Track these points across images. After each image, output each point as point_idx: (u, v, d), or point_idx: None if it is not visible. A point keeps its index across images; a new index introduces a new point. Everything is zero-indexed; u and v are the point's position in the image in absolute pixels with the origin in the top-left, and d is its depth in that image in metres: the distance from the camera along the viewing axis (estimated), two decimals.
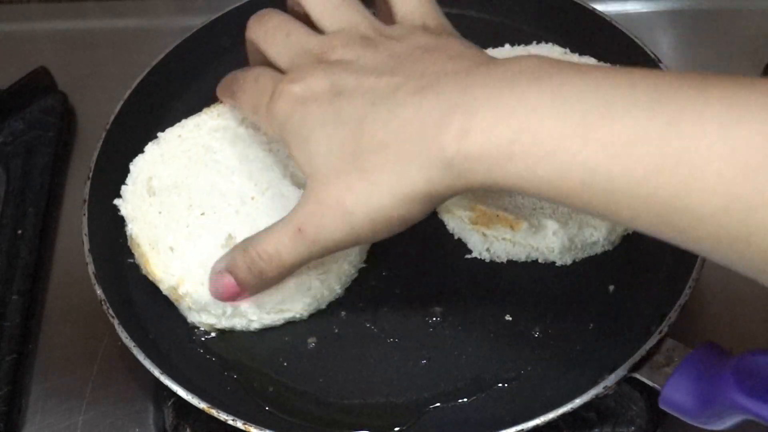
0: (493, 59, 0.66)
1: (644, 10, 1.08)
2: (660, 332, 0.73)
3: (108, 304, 0.77)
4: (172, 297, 0.79)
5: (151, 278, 0.79)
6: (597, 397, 0.72)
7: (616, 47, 0.91)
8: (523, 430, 0.71)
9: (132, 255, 0.84)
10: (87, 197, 0.84)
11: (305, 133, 0.67)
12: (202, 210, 0.79)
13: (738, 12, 1.08)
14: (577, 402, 0.71)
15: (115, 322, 0.77)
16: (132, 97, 0.91)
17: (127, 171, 0.89)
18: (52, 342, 0.87)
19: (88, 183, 0.85)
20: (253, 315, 0.77)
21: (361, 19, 0.72)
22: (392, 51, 0.68)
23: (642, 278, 0.80)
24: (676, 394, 0.68)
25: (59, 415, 0.83)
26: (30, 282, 0.88)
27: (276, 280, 0.72)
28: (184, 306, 0.78)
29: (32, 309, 0.88)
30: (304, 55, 0.70)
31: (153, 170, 0.82)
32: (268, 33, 0.74)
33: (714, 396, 0.65)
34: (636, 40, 0.90)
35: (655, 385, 0.71)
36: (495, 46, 0.92)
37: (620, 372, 0.72)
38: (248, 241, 0.71)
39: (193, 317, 0.79)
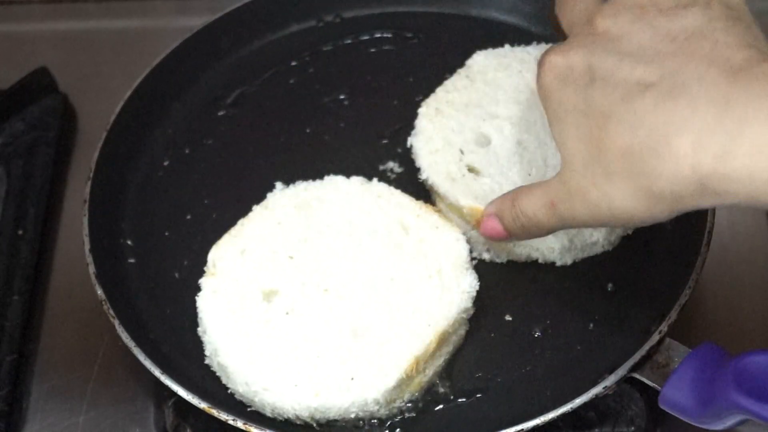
0: (756, 63, 0.60)
1: None
2: (660, 332, 0.73)
3: (108, 304, 0.78)
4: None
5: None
6: (597, 397, 0.72)
7: None
8: (523, 430, 0.71)
9: (132, 255, 0.85)
10: (87, 197, 0.84)
11: (560, 114, 0.68)
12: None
13: None
14: (577, 402, 0.71)
15: (116, 322, 0.77)
16: (132, 97, 0.91)
17: (126, 170, 0.90)
18: (52, 342, 0.87)
19: (89, 183, 0.85)
20: None
21: None
22: (657, 30, 0.65)
23: (642, 278, 0.80)
24: (676, 394, 0.68)
25: (60, 414, 0.83)
26: (31, 282, 0.88)
27: (534, 236, 0.74)
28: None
29: (33, 309, 0.88)
30: (580, 28, 0.70)
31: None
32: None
33: (713, 396, 0.65)
34: None
35: (655, 385, 0.71)
36: (495, 46, 0.92)
37: (620, 372, 0.72)
38: (515, 195, 0.73)
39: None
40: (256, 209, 0.81)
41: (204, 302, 0.77)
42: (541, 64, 0.70)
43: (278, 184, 0.84)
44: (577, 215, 0.69)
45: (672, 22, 0.65)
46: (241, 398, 0.75)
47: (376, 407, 0.73)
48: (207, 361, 0.77)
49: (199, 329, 0.77)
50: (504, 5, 0.98)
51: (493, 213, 0.75)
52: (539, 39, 0.93)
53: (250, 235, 0.80)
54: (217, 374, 0.76)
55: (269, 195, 0.82)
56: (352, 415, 0.73)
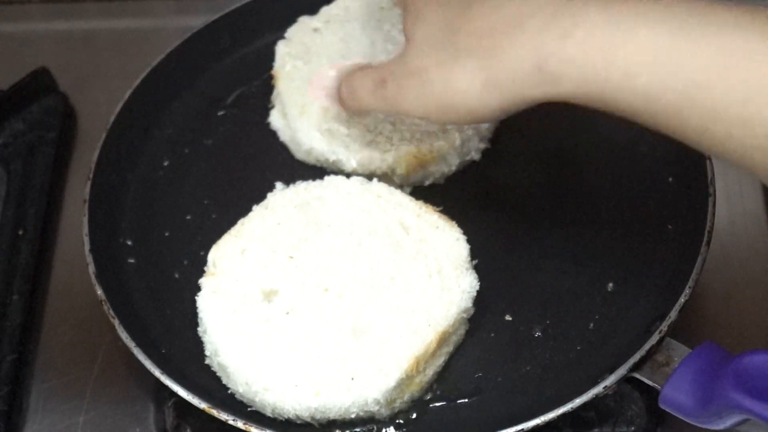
0: None
1: None
2: (660, 332, 0.73)
3: (108, 305, 0.78)
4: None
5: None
6: (597, 397, 0.72)
7: None
8: (523, 430, 0.71)
9: (132, 255, 0.85)
10: (87, 197, 0.84)
11: (421, 6, 0.70)
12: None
13: None
14: (577, 402, 0.71)
15: (116, 322, 0.77)
16: (132, 97, 0.91)
17: (126, 170, 0.90)
18: (52, 342, 0.87)
19: (89, 183, 0.85)
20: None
21: None
22: None
23: (642, 278, 0.80)
24: (676, 393, 0.69)
25: (60, 415, 0.83)
26: (30, 282, 0.88)
27: (356, 112, 0.80)
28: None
29: (33, 309, 0.88)
30: None
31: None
32: None
33: (714, 395, 0.65)
34: None
35: (655, 385, 0.71)
36: None
37: (620, 372, 0.72)
38: (354, 68, 0.77)
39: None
40: (256, 209, 0.81)
41: (204, 302, 0.77)
42: None
43: (278, 184, 0.84)
44: (405, 97, 0.70)
45: None
46: (241, 398, 0.75)
47: (377, 407, 0.73)
48: (207, 361, 0.77)
49: (199, 329, 0.77)
50: None
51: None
52: None
53: (251, 234, 0.80)
54: (218, 374, 0.76)
55: (269, 195, 0.82)
56: (353, 415, 0.73)
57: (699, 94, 0.58)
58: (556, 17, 0.62)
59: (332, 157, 0.85)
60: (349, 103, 0.77)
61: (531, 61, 0.63)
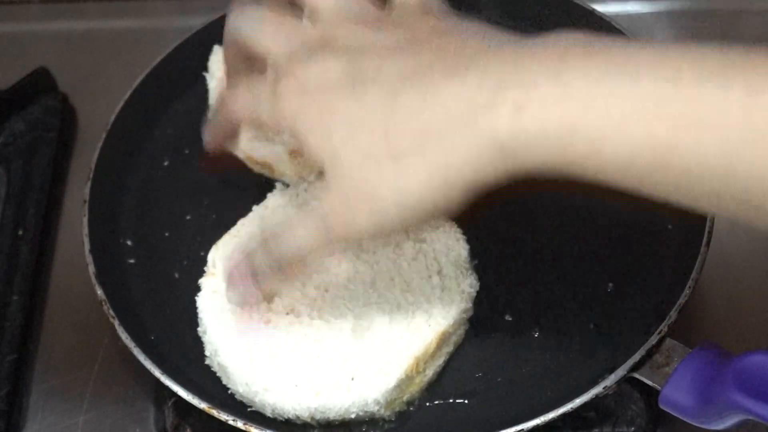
0: (524, 37, 0.60)
1: (644, 11, 1.08)
2: (660, 332, 0.72)
3: (108, 305, 0.78)
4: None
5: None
6: (597, 397, 0.71)
7: None
8: (523, 430, 0.71)
9: (132, 255, 0.85)
10: (87, 197, 0.84)
11: (326, 123, 0.61)
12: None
13: (738, 12, 1.08)
14: (577, 402, 0.71)
15: (116, 322, 0.77)
16: (132, 97, 0.91)
17: (126, 170, 0.90)
18: (52, 342, 0.87)
19: (89, 183, 0.85)
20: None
21: (358, 3, 0.65)
22: (405, 32, 0.62)
23: (642, 278, 0.80)
24: (676, 393, 0.68)
25: (60, 415, 0.83)
26: (30, 282, 0.88)
27: (295, 279, 0.72)
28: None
29: (33, 309, 0.88)
30: (303, 45, 0.64)
31: None
32: (256, 24, 0.67)
33: (714, 396, 0.65)
34: None
35: (655, 385, 0.71)
36: None
37: (620, 372, 0.72)
38: (271, 240, 0.66)
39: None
40: (256, 209, 0.81)
41: (204, 302, 0.77)
42: (278, 90, 0.63)
43: (278, 185, 0.84)
44: (358, 224, 0.62)
45: (412, 26, 0.63)
46: (241, 398, 0.75)
47: (377, 407, 0.73)
48: (207, 362, 0.77)
49: (199, 329, 0.77)
50: (504, 6, 0.98)
51: (245, 272, 0.68)
52: None
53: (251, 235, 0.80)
54: (218, 374, 0.76)
55: (269, 195, 0.82)
56: (353, 416, 0.73)
57: (669, 155, 0.53)
58: (503, 91, 0.56)
59: None
60: (300, 271, 0.68)
61: (488, 145, 0.57)
